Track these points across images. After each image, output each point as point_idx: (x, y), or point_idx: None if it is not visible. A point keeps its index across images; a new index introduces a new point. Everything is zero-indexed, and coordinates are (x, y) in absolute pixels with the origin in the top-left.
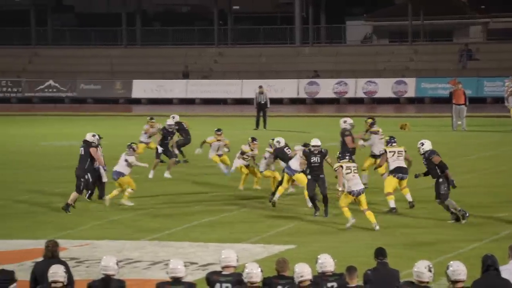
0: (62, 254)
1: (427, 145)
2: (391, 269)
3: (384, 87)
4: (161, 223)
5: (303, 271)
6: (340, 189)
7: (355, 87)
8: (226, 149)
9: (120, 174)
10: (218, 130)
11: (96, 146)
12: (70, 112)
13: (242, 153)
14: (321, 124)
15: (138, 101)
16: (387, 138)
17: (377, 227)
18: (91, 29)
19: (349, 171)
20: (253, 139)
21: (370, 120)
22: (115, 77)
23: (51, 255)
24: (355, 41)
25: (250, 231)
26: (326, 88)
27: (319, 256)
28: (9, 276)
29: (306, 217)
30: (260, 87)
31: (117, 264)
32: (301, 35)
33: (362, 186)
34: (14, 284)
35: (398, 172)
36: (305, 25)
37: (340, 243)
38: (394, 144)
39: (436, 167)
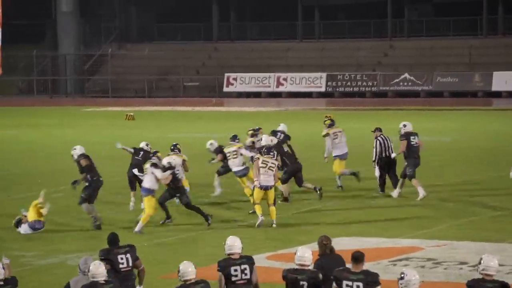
0: (417, 254)
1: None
2: None
3: None
4: None
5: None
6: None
7: None
8: None
9: None
10: None
11: None
12: (425, 106)
13: None
14: None
15: (498, 94)
16: None
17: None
18: (449, 19)
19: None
20: None
21: None
22: (473, 69)
23: None
24: None
25: None
26: None
27: None
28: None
29: None
30: None
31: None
32: None
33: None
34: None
35: None
36: None
37: None
38: None
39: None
